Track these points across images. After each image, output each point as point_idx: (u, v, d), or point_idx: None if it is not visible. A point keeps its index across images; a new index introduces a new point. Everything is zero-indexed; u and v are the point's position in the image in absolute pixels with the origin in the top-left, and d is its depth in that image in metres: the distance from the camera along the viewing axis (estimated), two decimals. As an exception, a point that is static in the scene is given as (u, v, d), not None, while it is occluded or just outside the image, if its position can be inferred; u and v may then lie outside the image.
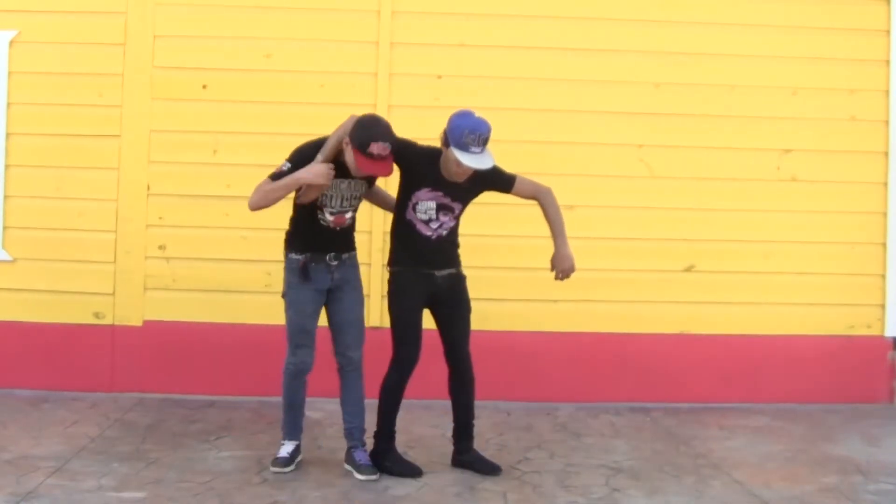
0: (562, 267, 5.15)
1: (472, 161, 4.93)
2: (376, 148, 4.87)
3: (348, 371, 5.21)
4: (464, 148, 4.91)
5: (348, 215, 5.12)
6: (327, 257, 5.10)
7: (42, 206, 6.71)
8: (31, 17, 6.70)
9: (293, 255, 5.11)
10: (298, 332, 5.11)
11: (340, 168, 5.00)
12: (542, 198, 5.21)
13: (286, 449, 5.22)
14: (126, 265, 6.73)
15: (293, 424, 5.26)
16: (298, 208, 5.11)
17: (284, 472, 5.10)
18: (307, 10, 6.82)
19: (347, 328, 5.17)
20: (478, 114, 5.01)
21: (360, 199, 5.17)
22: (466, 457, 5.29)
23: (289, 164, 4.99)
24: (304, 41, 6.82)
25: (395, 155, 5.02)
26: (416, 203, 5.07)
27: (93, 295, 6.71)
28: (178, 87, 6.74)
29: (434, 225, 5.10)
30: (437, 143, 5.05)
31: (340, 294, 5.15)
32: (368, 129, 4.91)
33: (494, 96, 6.77)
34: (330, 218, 5.07)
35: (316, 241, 5.09)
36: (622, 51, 6.91)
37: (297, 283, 5.09)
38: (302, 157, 5.00)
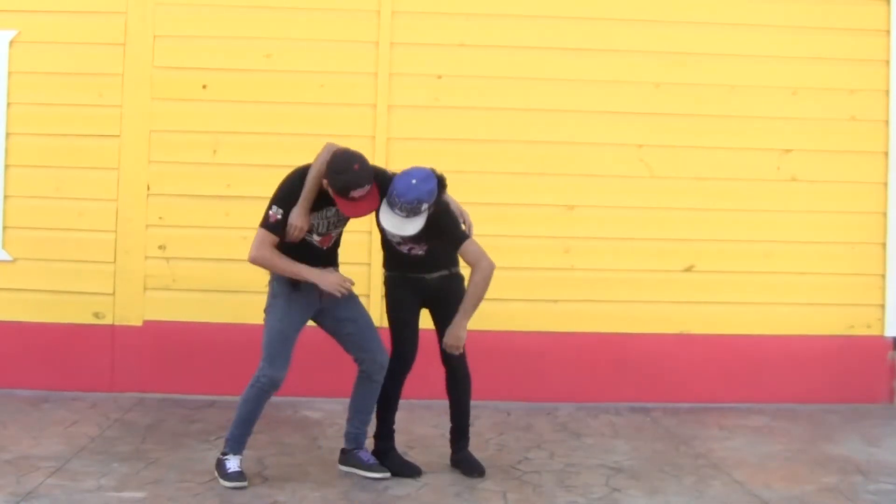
0: (447, 343, 5.00)
1: (389, 223, 4.80)
2: (357, 193, 4.76)
3: (374, 378, 5.04)
4: (390, 205, 4.79)
5: (334, 232, 5.04)
6: None
7: (42, 206, 6.71)
8: (31, 17, 6.70)
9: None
10: (279, 339, 4.88)
11: (327, 197, 4.86)
12: (474, 269, 4.92)
13: (234, 463, 4.91)
14: (126, 265, 6.73)
15: (241, 439, 4.97)
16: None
17: (244, 486, 4.82)
18: (307, 10, 6.82)
19: (366, 333, 5.02)
20: (417, 180, 4.73)
21: (346, 221, 5.04)
22: (457, 456, 5.28)
23: (281, 211, 4.83)
24: (304, 41, 6.82)
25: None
26: (384, 230, 5.00)
27: (93, 295, 6.71)
28: (178, 87, 6.74)
29: (405, 248, 5.08)
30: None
31: (340, 308, 5.01)
32: (343, 176, 4.72)
33: (494, 96, 6.78)
34: (317, 238, 4.97)
35: (302, 260, 4.91)
36: (622, 51, 6.91)
37: (287, 293, 4.92)
38: (291, 198, 4.84)
